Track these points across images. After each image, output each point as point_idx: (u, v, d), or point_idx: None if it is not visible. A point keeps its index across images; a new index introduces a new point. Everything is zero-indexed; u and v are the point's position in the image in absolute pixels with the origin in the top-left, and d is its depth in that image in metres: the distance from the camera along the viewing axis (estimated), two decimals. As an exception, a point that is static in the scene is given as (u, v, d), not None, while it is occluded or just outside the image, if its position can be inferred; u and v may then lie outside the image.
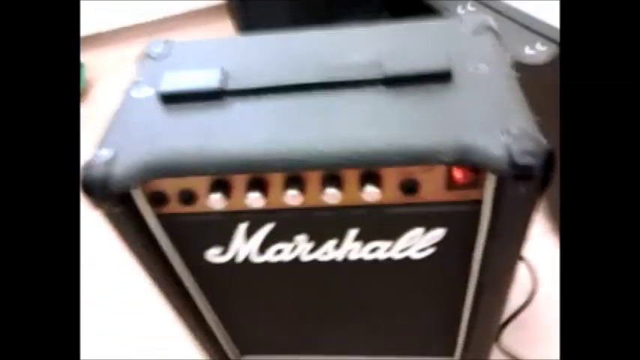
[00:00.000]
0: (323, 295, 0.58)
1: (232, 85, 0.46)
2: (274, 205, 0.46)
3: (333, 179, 0.43)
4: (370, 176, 0.43)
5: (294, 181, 0.44)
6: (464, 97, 0.43)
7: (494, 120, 0.40)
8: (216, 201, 0.44)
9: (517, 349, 0.73)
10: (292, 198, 0.43)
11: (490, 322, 0.60)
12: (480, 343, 0.64)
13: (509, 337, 0.72)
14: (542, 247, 0.85)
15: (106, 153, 0.43)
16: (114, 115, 0.48)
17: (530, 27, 0.70)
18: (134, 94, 0.50)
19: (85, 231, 1.07)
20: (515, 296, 0.63)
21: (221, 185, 0.45)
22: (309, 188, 0.44)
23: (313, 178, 0.44)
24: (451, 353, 0.68)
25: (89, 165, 0.42)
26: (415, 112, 0.42)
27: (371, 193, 0.42)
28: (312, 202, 0.45)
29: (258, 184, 0.44)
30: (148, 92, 0.49)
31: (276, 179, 0.44)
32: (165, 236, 0.50)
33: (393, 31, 0.51)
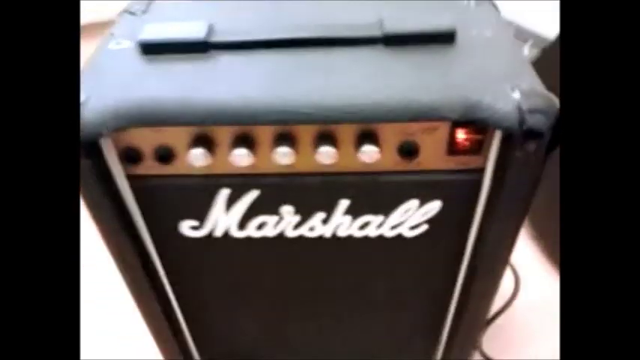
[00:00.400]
0: (304, 281, 0.53)
1: (219, 38, 0.43)
2: (261, 169, 0.42)
3: (327, 138, 0.40)
4: (368, 135, 0.40)
5: (285, 138, 0.40)
6: (469, 57, 0.41)
7: (502, 78, 0.38)
8: (197, 156, 0.40)
9: (495, 355, 0.70)
10: (283, 156, 0.40)
11: (476, 317, 0.57)
12: (463, 343, 0.61)
13: (488, 342, 0.70)
14: (522, 252, 0.84)
15: (84, 93, 0.38)
16: (87, 65, 0.43)
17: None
18: (111, 46, 0.45)
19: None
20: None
21: (203, 141, 0.41)
22: (301, 148, 0.41)
23: (306, 135, 0.40)
24: (433, 353, 0.65)
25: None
26: (417, 70, 0.40)
27: (369, 153, 0.39)
28: (303, 167, 0.42)
29: (245, 140, 0.40)
30: (125, 44, 0.45)
31: (265, 136, 0.41)
32: (134, 202, 0.45)
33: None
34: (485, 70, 0.39)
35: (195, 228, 0.47)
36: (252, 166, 0.42)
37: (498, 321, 0.69)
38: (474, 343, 0.62)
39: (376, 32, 0.42)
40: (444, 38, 0.42)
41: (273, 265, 0.51)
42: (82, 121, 0.37)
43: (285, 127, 0.40)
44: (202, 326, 0.59)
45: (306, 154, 0.41)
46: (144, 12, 0.50)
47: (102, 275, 0.84)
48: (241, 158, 0.40)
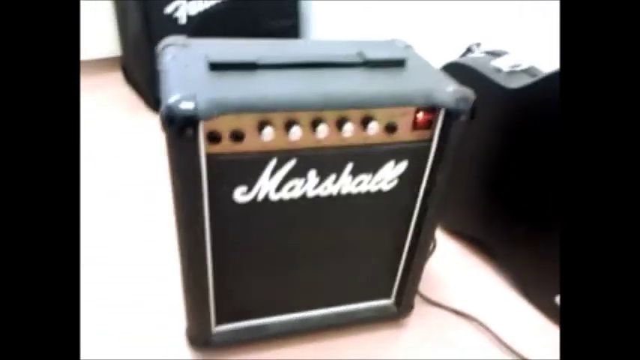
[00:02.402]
0: (311, 236, 0.74)
1: (263, 61, 0.65)
2: (299, 144, 0.64)
3: (344, 120, 0.64)
4: (369, 118, 0.65)
5: (319, 122, 0.63)
6: (417, 73, 0.69)
7: (440, 82, 0.67)
8: (266, 134, 0.60)
9: (426, 294, 0.97)
10: (321, 132, 0.62)
11: (423, 255, 0.82)
12: (410, 285, 0.86)
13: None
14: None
15: (186, 93, 0.57)
16: (166, 75, 0.62)
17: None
18: (174, 64, 0.64)
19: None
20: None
21: (265, 124, 0.61)
22: (329, 128, 0.64)
23: (331, 119, 0.64)
24: (388, 295, 0.89)
25: (179, 98, 0.55)
26: (391, 80, 0.67)
27: (373, 128, 0.64)
28: (328, 142, 0.65)
29: (292, 123, 0.62)
30: (187, 63, 0.64)
31: (304, 120, 0.63)
32: (205, 174, 0.62)
33: (352, 42, 0.76)
34: (429, 78, 0.68)
35: (244, 193, 0.66)
36: (295, 142, 0.63)
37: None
38: (418, 281, 0.87)
39: (359, 59, 0.69)
40: (401, 63, 0.70)
41: (293, 222, 0.70)
42: (198, 108, 0.56)
43: (318, 112, 0.63)
44: (224, 287, 0.75)
45: (332, 132, 0.64)
46: (185, 46, 0.70)
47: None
48: (295, 134, 0.61)
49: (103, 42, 1.61)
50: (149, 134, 1.37)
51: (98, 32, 1.58)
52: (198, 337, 0.79)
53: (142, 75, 1.49)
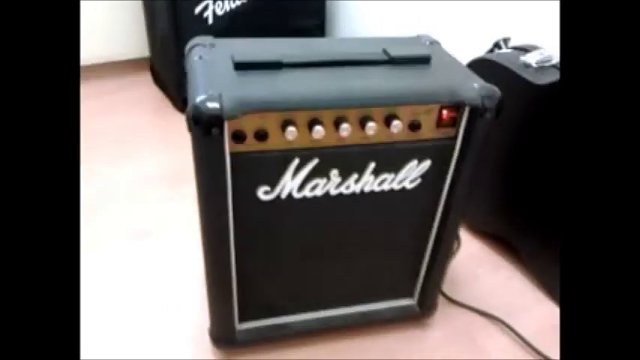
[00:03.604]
0: (334, 233, 0.74)
1: (287, 60, 0.65)
2: (322, 143, 0.64)
3: (367, 118, 0.64)
4: (392, 115, 0.64)
5: (342, 120, 0.63)
6: (442, 70, 0.68)
7: (465, 79, 0.66)
8: (290, 132, 0.61)
9: (450, 294, 0.96)
10: (343, 131, 0.62)
11: (446, 254, 0.82)
12: (433, 285, 0.85)
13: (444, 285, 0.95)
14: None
15: (212, 93, 0.57)
16: (192, 74, 0.63)
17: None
18: (201, 63, 0.65)
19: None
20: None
21: (288, 123, 0.62)
22: (352, 126, 0.64)
23: (354, 117, 0.64)
24: (411, 295, 0.88)
25: (205, 98, 0.56)
26: (416, 77, 0.66)
27: (396, 126, 0.64)
28: (350, 140, 0.65)
29: (315, 122, 0.62)
30: (214, 63, 0.65)
31: (327, 119, 0.63)
32: (230, 172, 0.63)
33: (377, 40, 0.76)
34: (454, 75, 0.67)
35: (267, 192, 0.67)
36: (318, 141, 0.64)
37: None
38: (442, 281, 0.86)
39: (385, 57, 0.68)
40: (425, 60, 0.69)
41: (315, 221, 0.71)
42: (223, 107, 0.56)
43: (341, 110, 0.63)
44: (247, 286, 0.76)
45: (354, 131, 0.64)
46: (212, 46, 0.71)
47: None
48: (318, 133, 0.62)
49: (131, 43, 1.64)
50: (176, 134, 1.40)
51: (127, 33, 1.62)
52: (222, 335, 0.80)
53: (170, 75, 1.52)
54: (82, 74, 1.60)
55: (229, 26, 1.47)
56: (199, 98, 0.57)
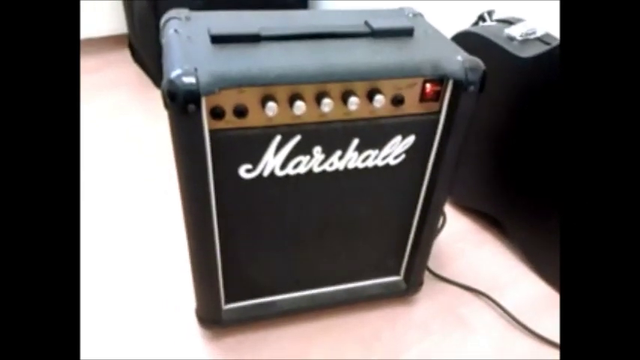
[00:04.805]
0: (318, 212, 0.73)
1: (265, 33, 0.63)
2: (303, 119, 0.62)
3: (350, 93, 0.62)
4: (375, 90, 0.63)
5: (323, 95, 0.61)
6: (425, 42, 0.67)
7: (449, 52, 0.64)
8: (270, 108, 0.59)
9: (436, 270, 0.96)
10: (325, 106, 0.61)
11: (431, 233, 0.81)
12: (419, 261, 0.85)
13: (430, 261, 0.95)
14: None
15: (187, 67, 0.55)
16: (168, 48, 0.60)
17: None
18: (176, 37, 0.62)
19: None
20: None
21: (269, 99, 0.60)
22: (334, 102, 0.62)
23: (336, 92, 0.62)
24: (397, 272, 0.88)
25: (181, 73, 0.54)
26: (398, 50, 0.64)
27: (379, 101, 0.62)
28: (332, 116, 0.63)
29: (296, 97, 0.60)
30: (190, 36, 0.63)
31: (309, 94, 0.61)
32: (210, 150, 0.61)
33: (359, 12, 0.73)
34: (437, 48, 0.65)
35: (249, 171, 0.65)
36: (299, 117, 0.62)
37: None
38: (428, 257, 0.86)
39: (367, 29, 0.66)
40: (408, 32, 0.67)
41: (299, 199, 0.70)
42: (200, 82, 0.54)
43: (322, 85, 0.61)
44: (233, 266, 0.75)
45: (336, 106, 0.62)
46: (187, 19, 0.68)
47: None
48: (299, 109, 0.60)
49: (109, 19, 1.59)
50: (157, 113, 1.36)
51: (104, 8, 1.56)
52: (208, 315, 0.79)
53: (149, 52, 1.47)
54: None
55: (211, 0, 1.42)
56: (174, 73, 0.55)
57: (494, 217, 1.02)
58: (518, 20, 0.91)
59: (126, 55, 1.62)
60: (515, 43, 0.86)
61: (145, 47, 1.51)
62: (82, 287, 0.89)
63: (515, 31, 0.86)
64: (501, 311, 0.89)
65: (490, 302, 0.90)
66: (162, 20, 0.69)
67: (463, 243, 1.03)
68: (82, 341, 0.81)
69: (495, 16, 0.96)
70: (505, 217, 1.00)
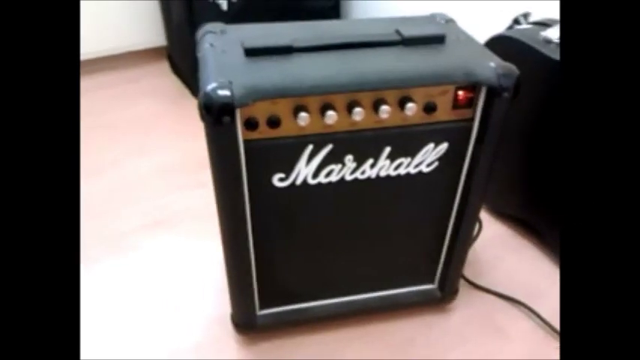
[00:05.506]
0: (350, 219, 0.73)
1: (298, 45, 0.64)
2: (335, 128, 0.63)
3: (381, 102, 0.62)
4: (406, 99, 0.63)
5: (354, 104, 0.62)
6: (457, 49, 0.66)
7: (481, 58, 0.64)
8: (303, 118, 0.60)
9: (472, 278, 0.95)
10: (356, 115, 0.61)
11: (467, 237, 0.80)
12: (454, 269, 0.84)
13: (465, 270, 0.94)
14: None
15: (222, 80, 0.57)
16: (204, 62, 0.62)
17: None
18: (212, 51, 0.65)
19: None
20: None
21: (301, 109, 0.61)
22: (365, 110, 0.62)
23: (367, 101, 0.62)
24: (432, 280, 0.87)
25: (216, 86, 0.56)
26: (430, 57, 0.64)
27: (411, 109, 0.62)
28: (363, 124, 0.64)
29: (328, 107, 0.61)
30: (224, 49, 0.64)
31: (340, 103, 0.62)
32: (244, 160, 0.63)
33: (390, 20, 0.74)
34: (470, 54, 0.65)
35: (282, 179, 0.66)
36: (330, 126, 0.63)
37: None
38: (463, 265, 0.85)
39: (397, 37, 0.67)
40: (440, 39, 0.67)
41: (332, 207, 0.70)
42: (234, 95, 0.56)
43: (354, 94, 0.62)
44: (267, 272, 0.76)
45: (368, 115, 0.63)
46: (223, 32, 0.70)
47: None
48: (331, 118, 0.61)
49: (148, 32, 1.64)
50: (194, 122, 1.40)
51: (143, 22, 1.62)
52: (243, 321, 0.81)
53: (186, 64, 1.52)
54: (98, 65, 1.61)
55: (243, 11, 1.46)
56: (210, 86, 0.57)
57: (531, 223, 1.00)
58: (555, 22, 0.89)
59: (165, 66, 1.68)
60: (552, 45, 0.84)
61: (182, 58, 1.56)
62: (118, 293, 0.92)
63: (551, 33, 0.85)
64: (539, 320, 0.87)
65: (527, 311, 0.88)
66: (199, 34, 0.71)
67: (499, 250, 1.01)
68: (116, 346, 0.84)
69: (531, 19, 0.94)
70: (541, 223, 0.97)
